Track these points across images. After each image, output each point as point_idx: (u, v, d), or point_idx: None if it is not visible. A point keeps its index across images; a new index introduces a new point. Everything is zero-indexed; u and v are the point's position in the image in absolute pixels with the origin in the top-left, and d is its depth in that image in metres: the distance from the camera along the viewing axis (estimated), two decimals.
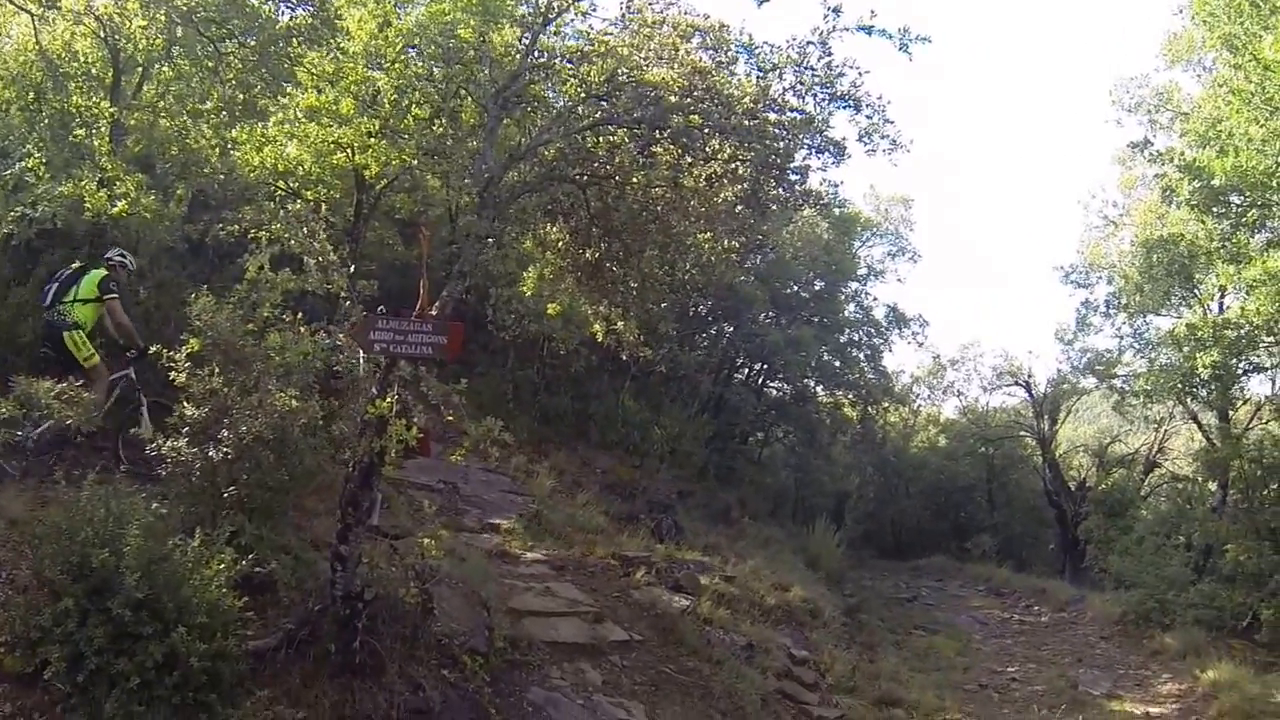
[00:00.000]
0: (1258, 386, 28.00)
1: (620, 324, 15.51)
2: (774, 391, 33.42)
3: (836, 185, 23.30)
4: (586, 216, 13.69)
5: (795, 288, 31.34)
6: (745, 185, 13.25)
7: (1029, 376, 38.10)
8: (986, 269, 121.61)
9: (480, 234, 11.12)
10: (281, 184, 15.92)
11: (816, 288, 31.93)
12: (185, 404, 9.64)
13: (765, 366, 32.00)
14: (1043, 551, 37.86)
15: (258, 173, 14.15)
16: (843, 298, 32.75)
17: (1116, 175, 32.72)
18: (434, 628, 10.83)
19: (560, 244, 14.76)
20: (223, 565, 8.41)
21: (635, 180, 12.30)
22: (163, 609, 7.81)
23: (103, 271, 12.68)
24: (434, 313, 10.46)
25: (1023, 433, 39.40)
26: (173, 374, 9.76)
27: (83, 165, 14.57)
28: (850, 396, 33.84)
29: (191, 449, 9.47)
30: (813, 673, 16.40)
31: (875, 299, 35.74)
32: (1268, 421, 26.52)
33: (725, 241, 14.60)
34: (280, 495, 9.95)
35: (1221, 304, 26.97)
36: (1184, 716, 15.96)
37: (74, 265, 12.81)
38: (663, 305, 16.28)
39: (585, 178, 12.75)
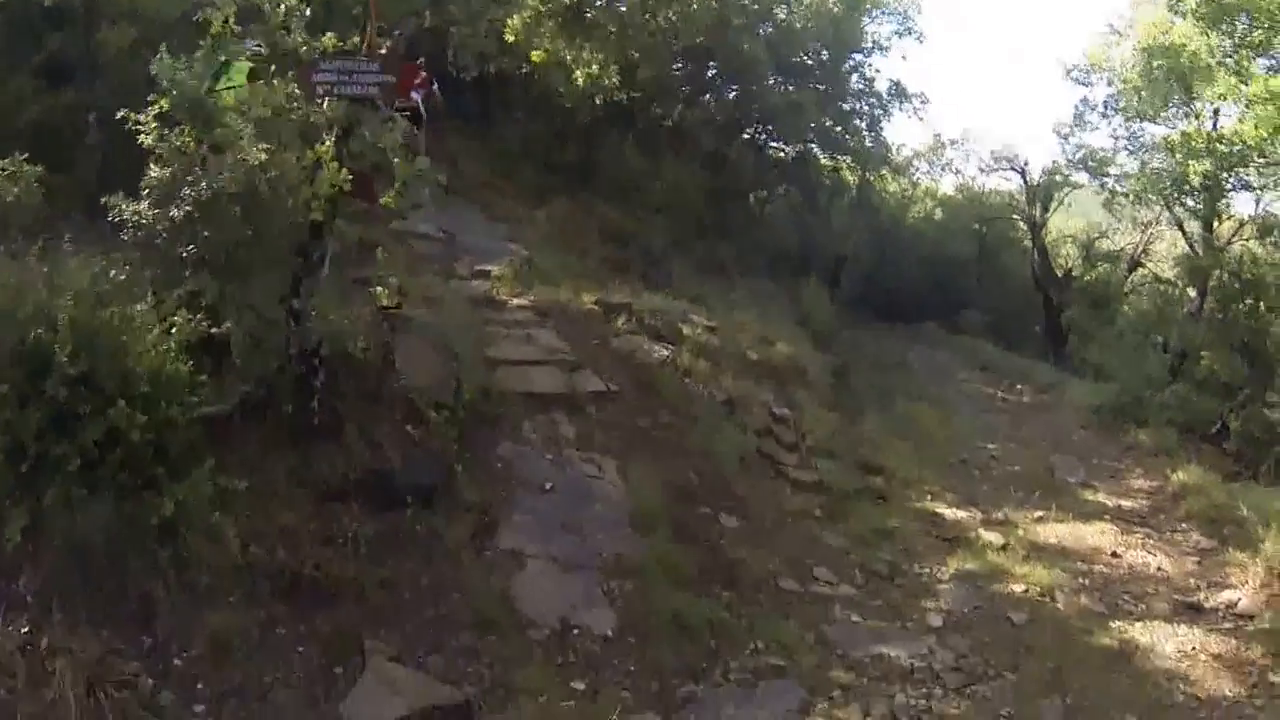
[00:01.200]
0: (1242, 205, 27.05)
1: (596, 68, 14.56)
2: (776, 153, 31.98)
3: None
4: None
5: (801, 56, 29.45)
6: None
7: (1025, 164, 36.59)
8: (991, 62, 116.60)
9: None
10: None
11: (822, 57, 29.87)
12: (151, 165, 8.72)
13: (768, 128, 30.46)
14: (1028, 334, 36.72)
15: None
16: (847, 69, 30.68)
17: None
18: (399, 383, 10.17)
19: None
20: (174, 329, 7.67)
21: None
22: (102, 383, 7.12)
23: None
24: (383, 51, 9.71)
25: (1015, 216, 38.15)
26: (141, 136, 8.81)
27: None
28: (850, 161, 32.34)
29: (153, 210, 8.58)
30: (793, 433, 15.55)
31: (879, 71, 33.60)
32: (1248, 239, 25.63)
33: None
34: (249, 251, 9.00)
35: (1215, 121, 25.65)
36: (1153, 513, 15.44)
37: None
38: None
39: None
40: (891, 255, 36.92)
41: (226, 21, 8.89)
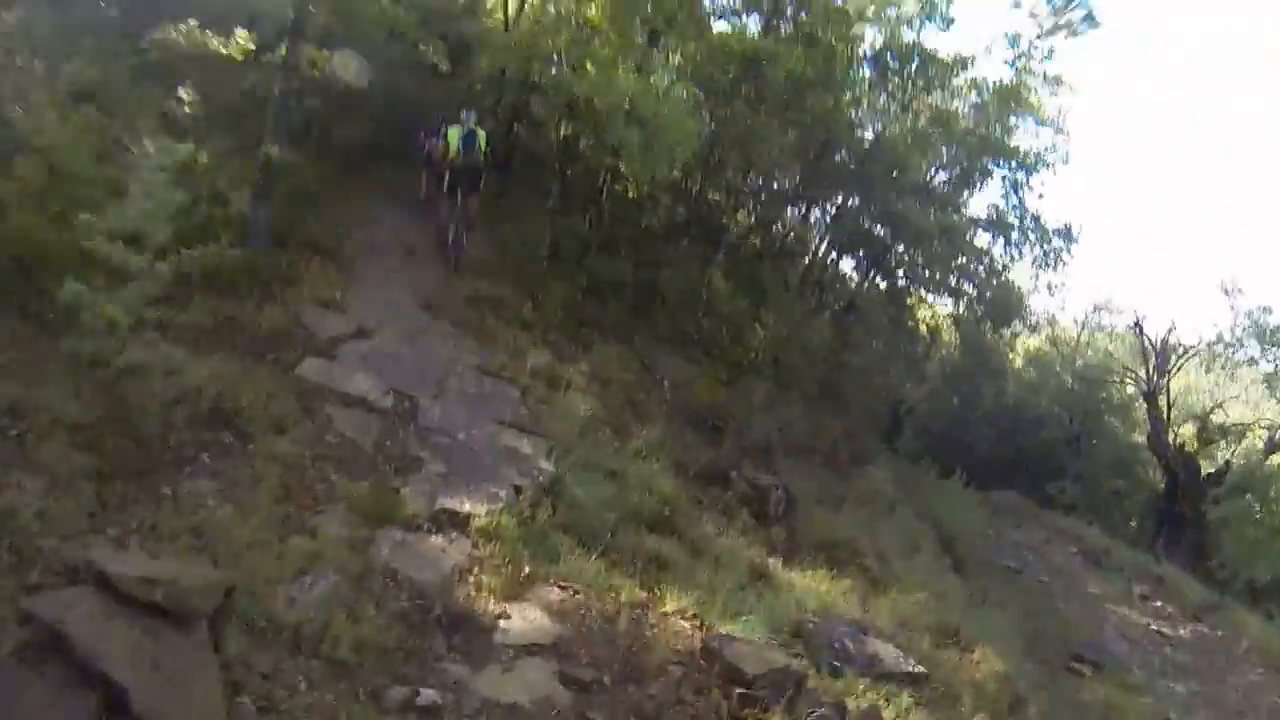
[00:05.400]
0: None
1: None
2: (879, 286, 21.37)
3: None
4: None
5: (936, 167, 19.29)
6: None
7: (1141, 318, 27.02)
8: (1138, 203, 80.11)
9: None
10: None
11: (959, 168, 19.73)
12: None
13: (905, 253, 19.93)
14: (1125, 511, 27.44)
15: None
16: (988, 185, 20.31)
17: None
18: None
19: None
20: None
21: None
22: None
23: (484, 133, 12.87)
24: None
25: (1117, 377, 27.82)
26: None
27: None
28: (965, 309, 21.85)
29: None
30: None
31: (1030, 189, 22.00)
32: None
33: None
34: None
35: None
36: None
37: (467, 129, 12.56)
38: None
39: None
40: (968, 407, 26.79)
41: None
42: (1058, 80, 18.56)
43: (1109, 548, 20.98)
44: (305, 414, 7.41)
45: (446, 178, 12.73)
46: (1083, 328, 30.02)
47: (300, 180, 11.32)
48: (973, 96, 18.69)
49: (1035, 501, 24.04)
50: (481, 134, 12.76)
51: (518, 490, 7.36)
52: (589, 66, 11.46)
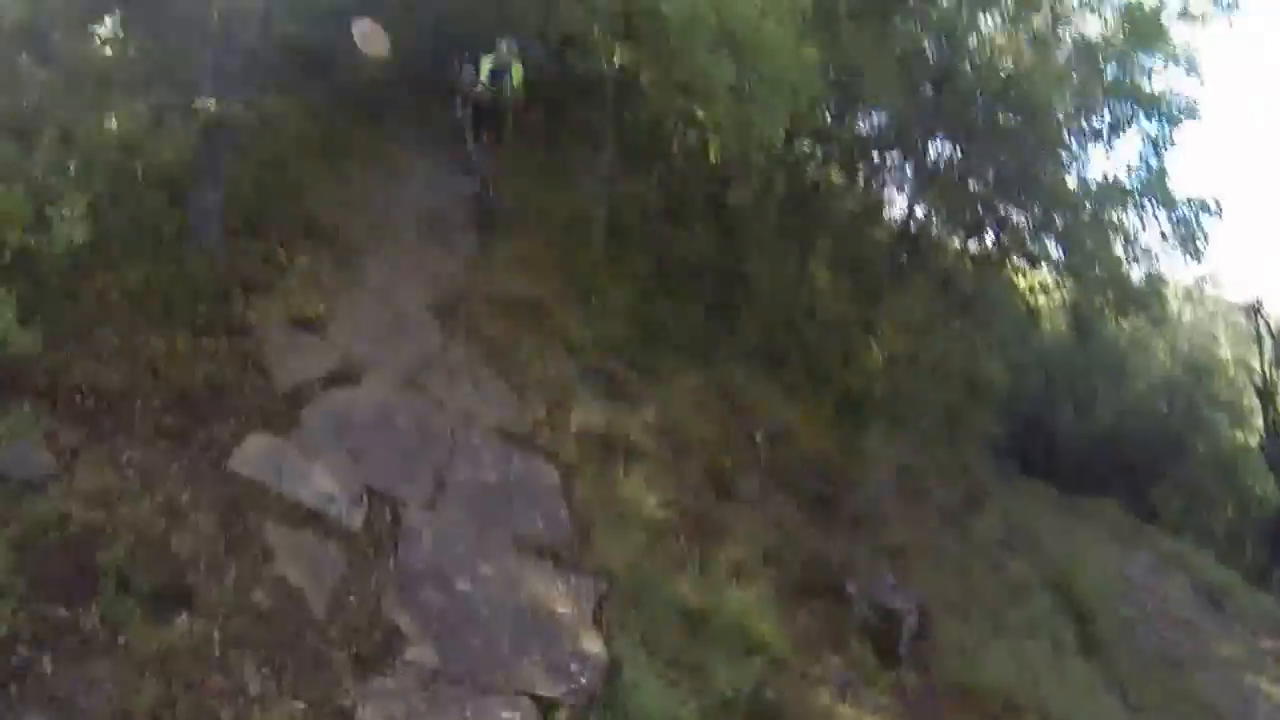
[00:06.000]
0: None
1: None
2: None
3: None
4: None
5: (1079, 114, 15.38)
6: None
7: (1260, 301, 22.68)
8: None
9: None
10: None
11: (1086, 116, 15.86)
12: None
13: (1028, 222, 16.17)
14: (1230, 527, 23.46)
15: None
16: (1117, 139, 16.29)
17: None
18: None
19: None
20: None
21: None
22: None
23: (519, 66, 10.82)
24: None
25: (1227, 368, 24.14)
26: None
27: None
28: (1084, 292, 18.05)
29: None
30: None
31: (1171, 146, 17.58)
32: None
33: None
34: None
35: None
36: None
37: (499, 59, 10.55)
38: None
39: None
40: (1056, 392, 23.11)
41: None
42: (1232, 4, 14.51)
43: (1226, 584, 17.46)
44: (227, 550, 4.46)
45: (470, 115, 10.65)
46: (1183, 304, 26.18)
47: (286, 140, 8.19)
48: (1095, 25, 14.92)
49: (1134, 514, 20.41)
50: (517, 67, 10.64)
51: (547, 711, 4.39)
52: None
